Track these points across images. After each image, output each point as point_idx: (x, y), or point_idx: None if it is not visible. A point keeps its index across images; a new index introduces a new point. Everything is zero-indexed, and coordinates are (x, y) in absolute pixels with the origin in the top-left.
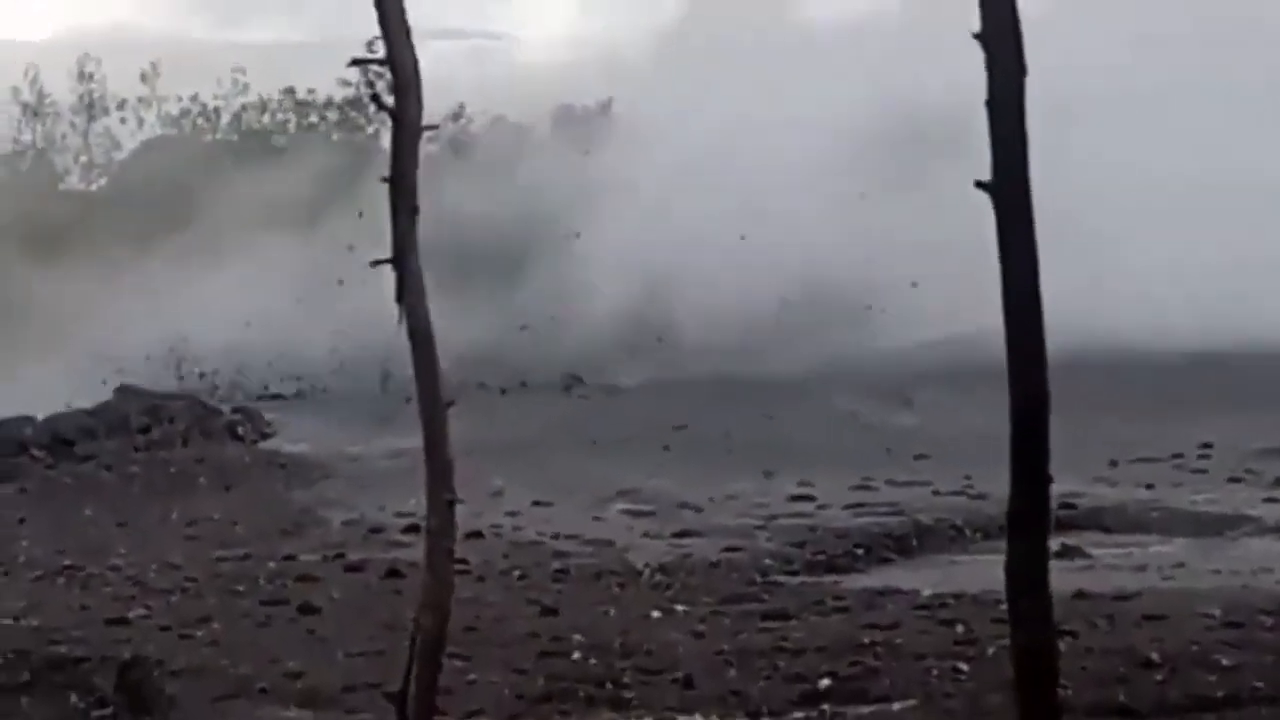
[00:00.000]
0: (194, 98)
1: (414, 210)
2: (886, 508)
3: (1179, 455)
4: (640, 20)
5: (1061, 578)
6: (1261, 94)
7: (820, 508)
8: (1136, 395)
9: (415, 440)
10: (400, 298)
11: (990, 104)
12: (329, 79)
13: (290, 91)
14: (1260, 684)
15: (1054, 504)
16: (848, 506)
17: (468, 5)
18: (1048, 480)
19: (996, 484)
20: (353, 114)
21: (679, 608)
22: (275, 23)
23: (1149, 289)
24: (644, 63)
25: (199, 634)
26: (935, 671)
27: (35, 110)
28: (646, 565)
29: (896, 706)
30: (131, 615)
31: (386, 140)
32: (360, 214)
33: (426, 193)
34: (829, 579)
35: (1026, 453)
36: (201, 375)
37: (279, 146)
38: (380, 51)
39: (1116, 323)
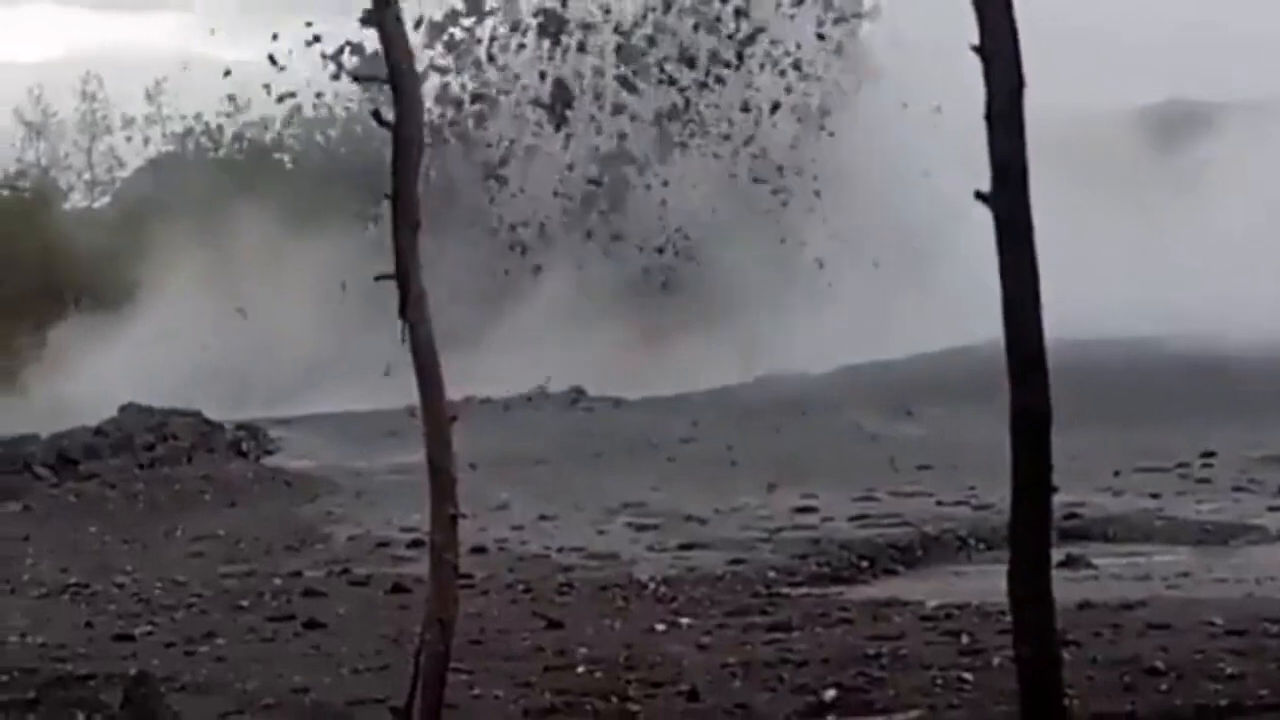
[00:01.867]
0: (197, 116)
1: (416, 225)
2: (890, 519)
3: (1183, 464)
4: None
5: (1065, 588)
6: None
7: (824, 519)
8: (1139, 404)
9: (419, 455)
10: (403, 311)
11: (989, 117)
12: (331, 93)
13: (292, 94)
14: (1265, 691)
15: (1057, 514)
16: (851, 518)
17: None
18: (1051, 490)
19: (1000, 494)
20: (355, 128)
21: (684, 620)
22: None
23: (1149, 293)
24: None
25: (204, 650)
26: (940, 682)
27: (39, 129)
28: (651, 578)
29: (901, 717)
30: (137, 632)
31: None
32: (369, 227)
33: None
34: (833, 590)
35: (1028, 463)
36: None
37: (283, 163)
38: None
39: (1118, 329)
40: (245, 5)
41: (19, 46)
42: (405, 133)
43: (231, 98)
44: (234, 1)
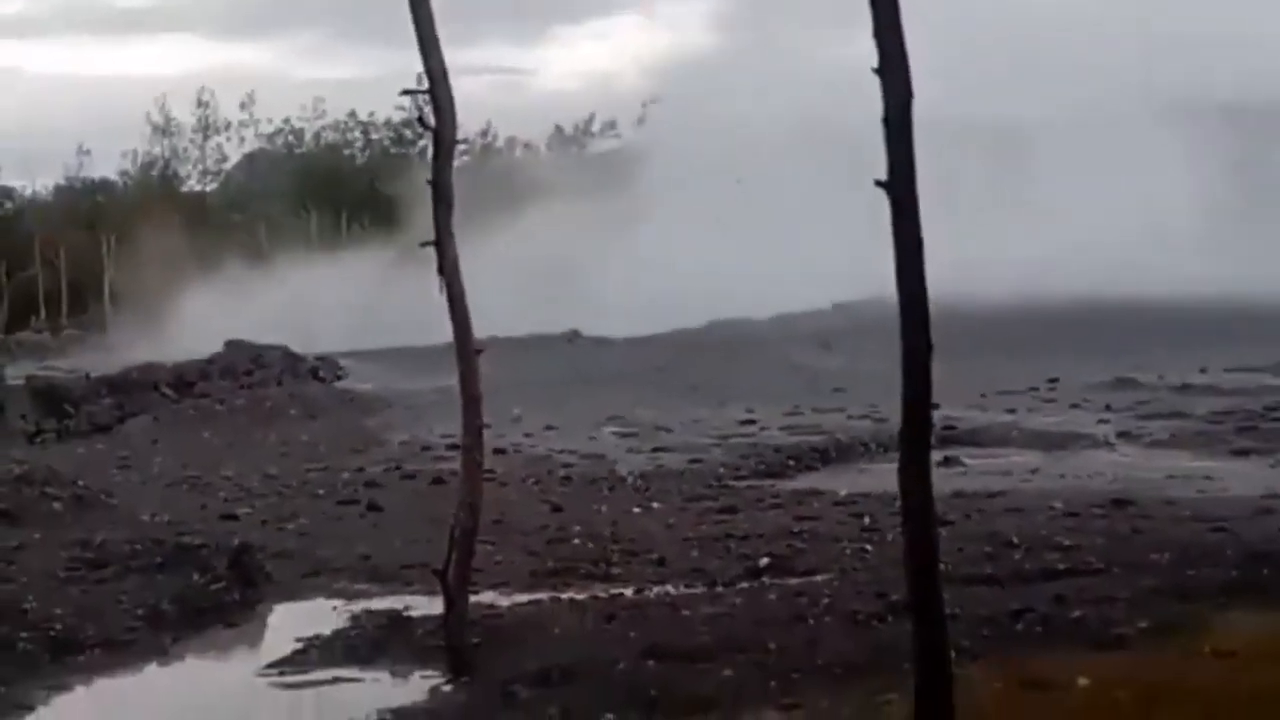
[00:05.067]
0: (285, 120)
1: (450, 205)
2: (811, 429)
3: (1034, 388)
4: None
5: (943, 481)
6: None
7: (761, 429)
8: (1000, 341)
9: (454, 379)
10: (441, 270)
11: (886, 122)
12: (388, 105)
13: (353, 114)
14: (1093, 559)
15: (937, 425)
16: (782, 428)
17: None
18: (931, 406)
19: (895, 410)
20: (405, 131)
21: (655, 505)
22: (348, 61)
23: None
24: None
25: (290, 527)
26: (848, 551)
27: (164, 130)
28: (630, 473)
29: (819, 578)
30: (239, 512)
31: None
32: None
33: None
34: (768, 483)
35: (914, 386)
36: None
37: (355, 160)
38: (425, 84)
39: (982, 283)
40: (326, 34)
41: (152, 66)
42: (441, 132)
43: (319, 100)
44: (316, 32)
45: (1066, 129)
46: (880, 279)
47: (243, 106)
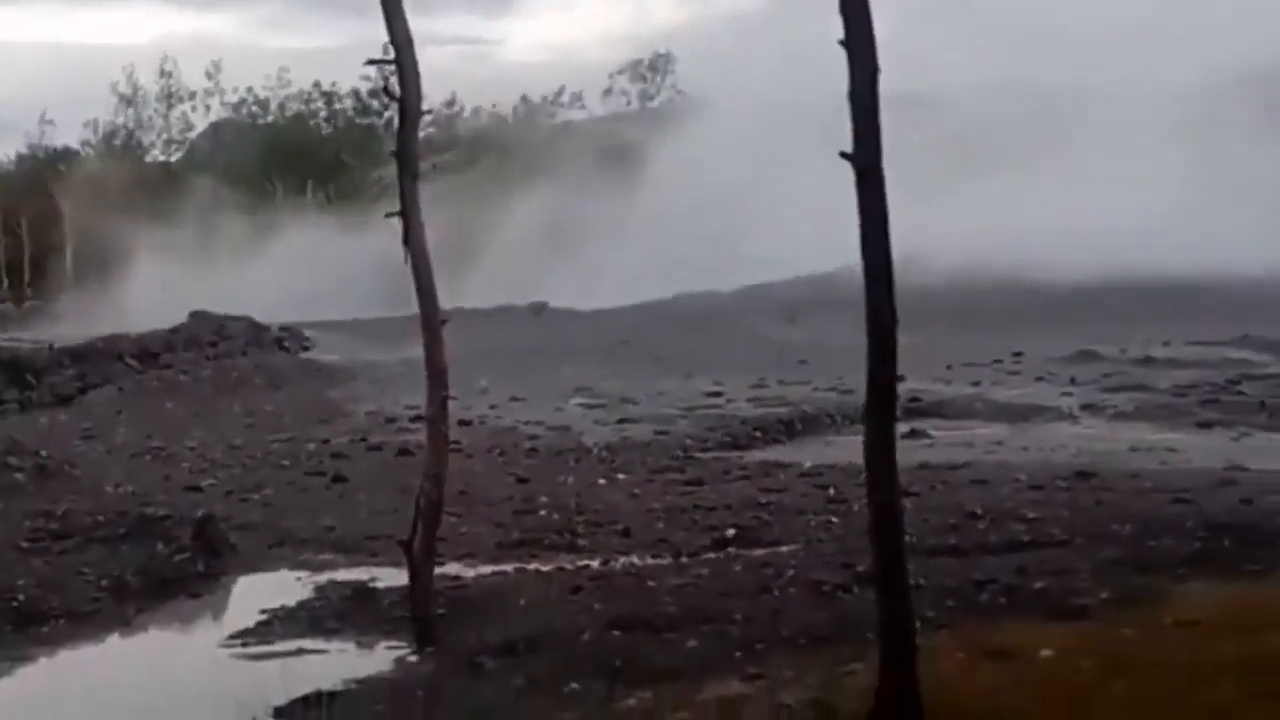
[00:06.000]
0: (249, 89)
1: (415, 176)
2: (777, 400)
3: (998, 361)
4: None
5: (908, 453)
6: None
7: (728, 401)
8: (965, 314)
9: (419, 351)
10: (406, 240)
11: (851, 95)
12: (353, 75)
13: (317, 85)
14: (1056, 530)
15: (902, 397)
16: (748, 400)
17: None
18: (896, 379)
19: (861, 382)
20: (372, 102)
21: (620, 476)
22: (313, 31)
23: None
24: None
25: (255, 498)
26: (813, 523)
27: (129, 100)
28: (596, 444)
29: (784, 549)
30: (204, 484)
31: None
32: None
33: None
34: (734, 454)
35: (879, 358)
36: None
37: (321, 130)
38: (390, 54)
39: (949, 257)
40: (291, 3)
41: (116, 35)
42: (407, 102)
43: (284, 70)
44: (282, 1)
45: (1086, 101)
46: (848, 251)
47: (208, 75)
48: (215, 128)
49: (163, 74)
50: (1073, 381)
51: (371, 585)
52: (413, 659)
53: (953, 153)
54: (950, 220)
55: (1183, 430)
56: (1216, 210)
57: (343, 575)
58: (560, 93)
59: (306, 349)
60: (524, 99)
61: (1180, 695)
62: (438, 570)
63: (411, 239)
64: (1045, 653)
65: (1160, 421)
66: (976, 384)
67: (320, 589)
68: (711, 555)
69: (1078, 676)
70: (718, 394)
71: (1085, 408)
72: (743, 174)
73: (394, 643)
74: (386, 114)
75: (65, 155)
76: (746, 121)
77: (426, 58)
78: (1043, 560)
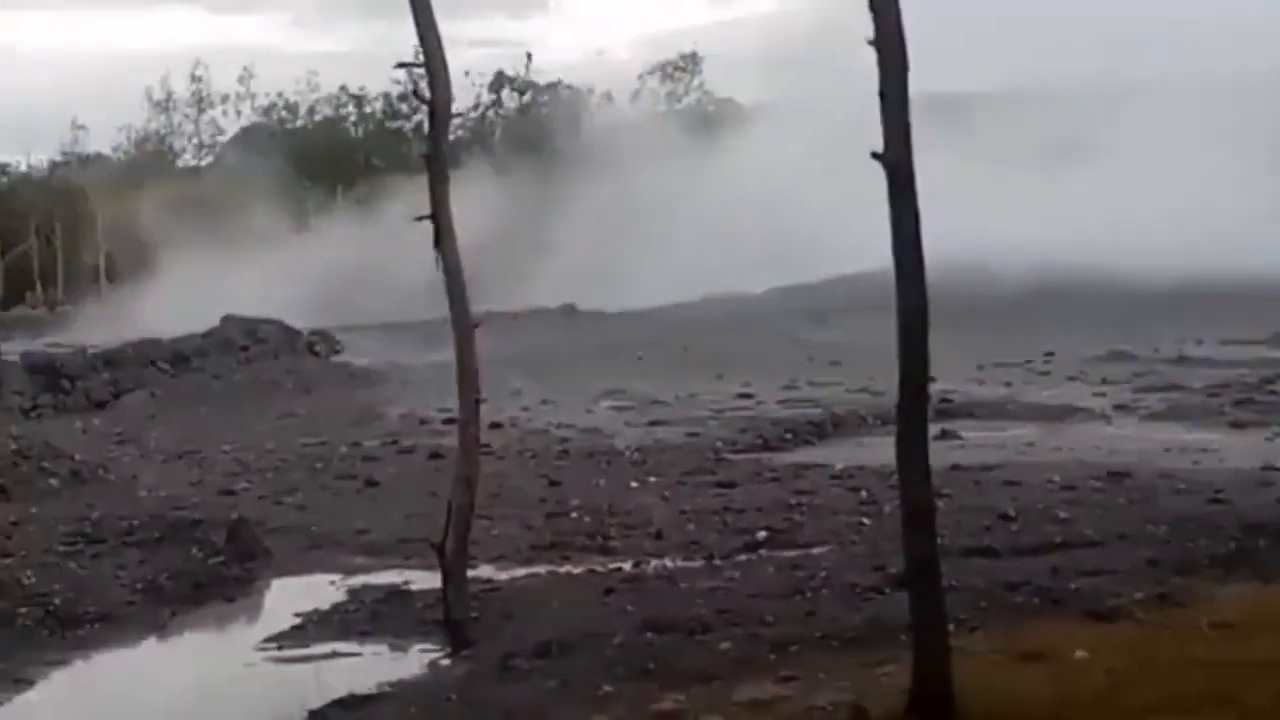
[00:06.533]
0: (279, 94)
1: (446, 178)
2: (808, 402)
3: (1030, 361)
4: None
5: (940, 454)
6: None
7: (758, 403)
8: (997, 314)
9: (450, 354)
10: (437, 243)
11: (882, 94)
12: (380, 78)
13: (344, 88)
14: (1089, 531)
15: (934, 398)
16: (779, 401)
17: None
18: (928, 380)
19: (892, 383)
20: (401, 105)
21: (652, 479)
22: (342, 34)
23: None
24: None
25: (288, 501)
26: (845, 524)
27: (163, 106)
28: (627, 447)
29: (816, 550)
30: (237, 487)
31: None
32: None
33: None
34: (765, 456)
35: (911, 359)
36: None
37: (351, 134)
38: (421, 57)
39: (982, 257)
40: (322, 7)
41: (146, 40)
42: (437, 104)
43: (312, 74)
44: (310, 4)
45: (1115, 101)
46: (879, 250)
47: (241, 80)
48: (245, 132)
49: (194, 79)
50: (1105, 381)
51: (404, 588)
52: (446, 662)
53: (975, 154)
54: (981, 220)
55: (1216, 430)
56: (1249, 208)
57: (376, 579)
58: (590, 94)
59: (338, 352)
60: (556, 95)
61: (1215, 697)
62: (470, 573)
63: (442, 242)
64: (1079, 654)
65: (1194, 421)
66: (1008, 384)
67: (354, 592)
68: (744, 557)
69: (1111, 678)
70: (748, 395)
71: (1118, 408)
72: (777, 174)
73: (427, 645)
74: (415, 117)
75: (97, 161)
76: (778, 122)
77: (457, 60)
78: (1076, 561)
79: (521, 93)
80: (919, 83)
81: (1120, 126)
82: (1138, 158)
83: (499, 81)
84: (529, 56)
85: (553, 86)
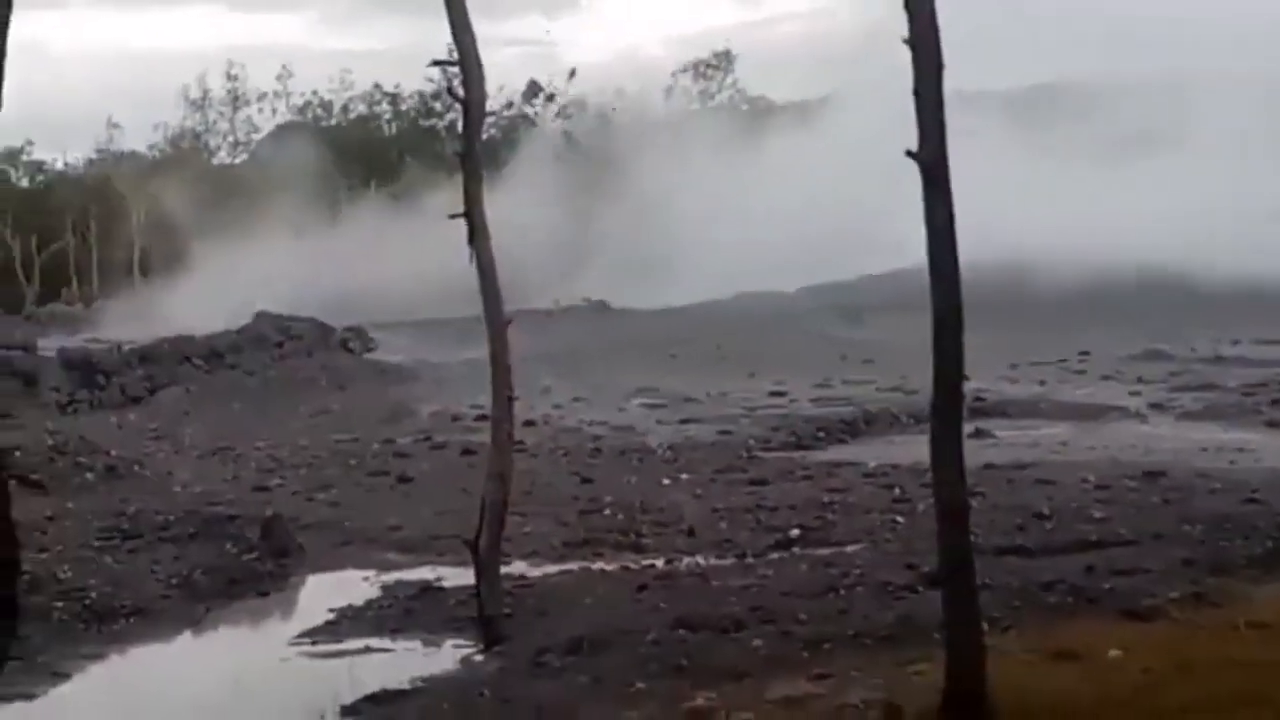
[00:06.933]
0: (314, 92)
1: (480, 176)
2: (841, 400)
3: (1064, 360)
4: None
5: (974, 453)
6: None
7: (791, 401)
8: (1031, 313)
9: (483, 351)
10: (471, 241)
11: (917, 92)
12: (413, 75)
13: (378, 86)
14: (1123, 530)
15: (967, 396)
16: (812, 399)
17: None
18: (962, 378)
19: (925, 382)
20: (435, 104)
21: (684, 476)
22: (376, 32)
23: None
24: None
25: (322, 497)
26: (878, 522)
27: (199, 104)
28: (659, 445)
29: (849, 549)
30: (271, 484)
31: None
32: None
33: None
34: (798, 454)
35: (945, 357)
36: None
37: (384, 132)
38: (455, 55)
39: (1015, 256)
40: (349, 5)
41: (180, 39)
42: (471, 103)
43: (346, 72)
44: (344, 2)
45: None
46: (913, 248)
47: (278, 78)
48: (281, 129)
49: (229, 77)
50: (1140, 380)
51: (438, 584)
52: (479, 658)
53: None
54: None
55: (1252, 430)
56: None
57: (409, 574)
58: (620, 94)
59: (371, 349)
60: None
61: (1251, 697)
62: (503, 569)
63: (476, 240)
64: (1114, 653)
65: (1229, 421)
66: (1042, 383)
67: (387, 588)
68: (776, 555)
69: (1146, 677)
70: (781, 393)
71: (1153, 407)
72: (811, 172)
73: (460, 641)
74: (449, 115)
75: (133, 159)
76: (812, 120)
77: (491, 59)
78: (1111, 560)
79: (554, 104)
80: (972, 79)
81: (1181, 123)
82: (1197, 154)
83: (532, 90)
84: (572, 72)
85: (581, 101)
